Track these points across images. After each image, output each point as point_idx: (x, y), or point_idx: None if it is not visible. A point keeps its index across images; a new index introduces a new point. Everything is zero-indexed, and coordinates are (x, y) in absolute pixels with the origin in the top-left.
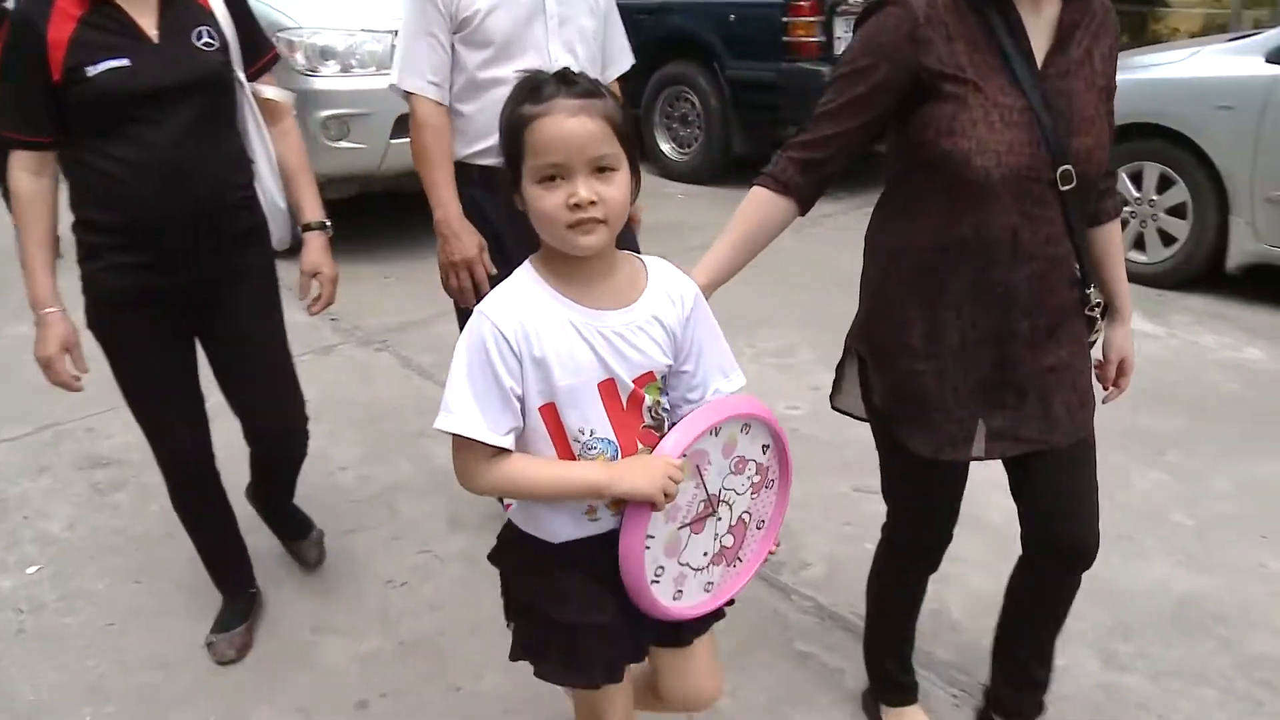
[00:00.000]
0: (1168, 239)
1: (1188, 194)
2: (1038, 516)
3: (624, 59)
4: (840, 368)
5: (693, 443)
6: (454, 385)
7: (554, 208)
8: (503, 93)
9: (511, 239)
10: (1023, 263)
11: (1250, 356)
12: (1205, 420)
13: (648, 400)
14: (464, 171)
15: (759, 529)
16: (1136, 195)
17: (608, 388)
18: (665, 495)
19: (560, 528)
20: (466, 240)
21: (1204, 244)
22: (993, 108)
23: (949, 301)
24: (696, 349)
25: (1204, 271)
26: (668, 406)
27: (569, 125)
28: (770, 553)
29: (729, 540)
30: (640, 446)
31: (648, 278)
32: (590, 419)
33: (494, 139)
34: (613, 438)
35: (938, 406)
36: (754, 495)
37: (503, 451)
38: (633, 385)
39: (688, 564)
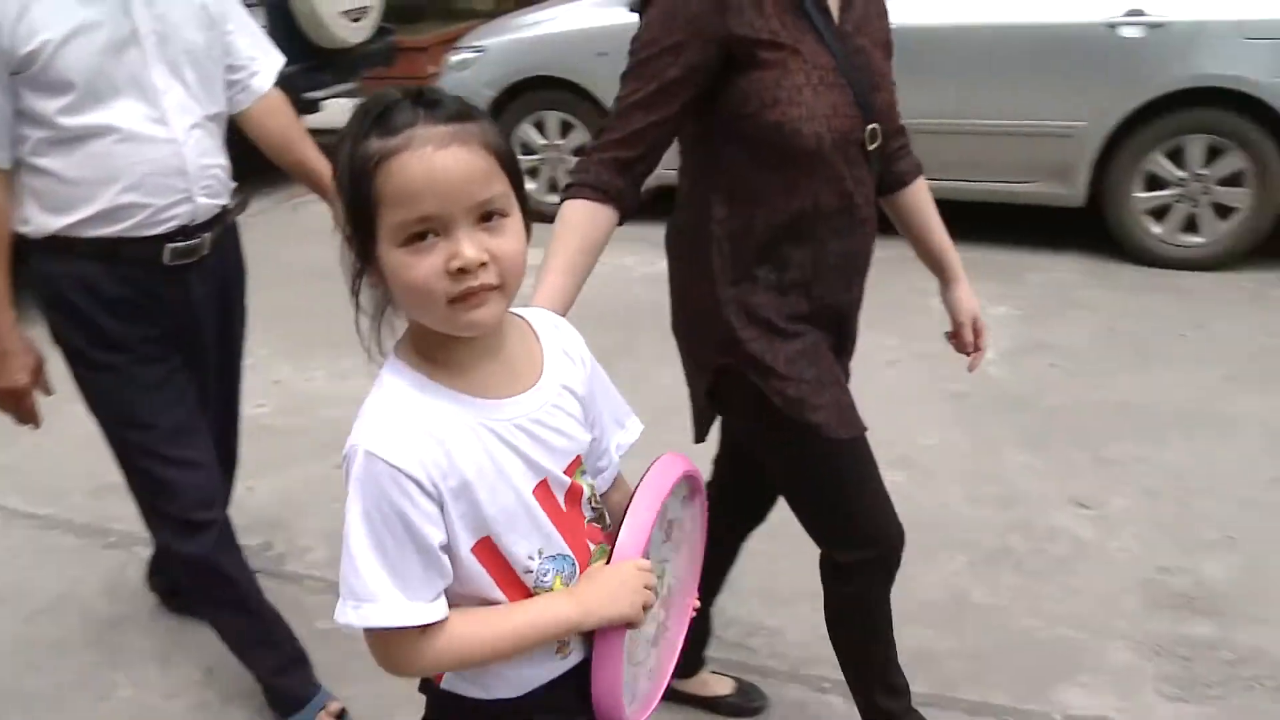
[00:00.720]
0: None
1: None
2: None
3: (269, 61)
4: (695, 397)
5: (651, 533)
6: (357, 564)
7: (430, 276)
8: (105, 145)
9: (146, 321)
10: (859, 227)
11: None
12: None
13: (585, 491)
14: (63, 247)
15: (680, 593)
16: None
17: (543, 492)
18: (644, 607)
19: (526, 676)
20: (15, 364)
21: None
22: (813, 70)
23: (798, 279)
24: (598, 408)
25: None
26: (600, 490)
27: (440, 162)
28: (695, 610)
29: (662, 615)
30: (592, 547)
31: (539, 339)
32: (536, 539)
33: (107, 202)
34: (566, 551)
35: (832, 381)
36: (678, 556)
37: (437, 621)
38: (567, 479)
39: (640, 662)
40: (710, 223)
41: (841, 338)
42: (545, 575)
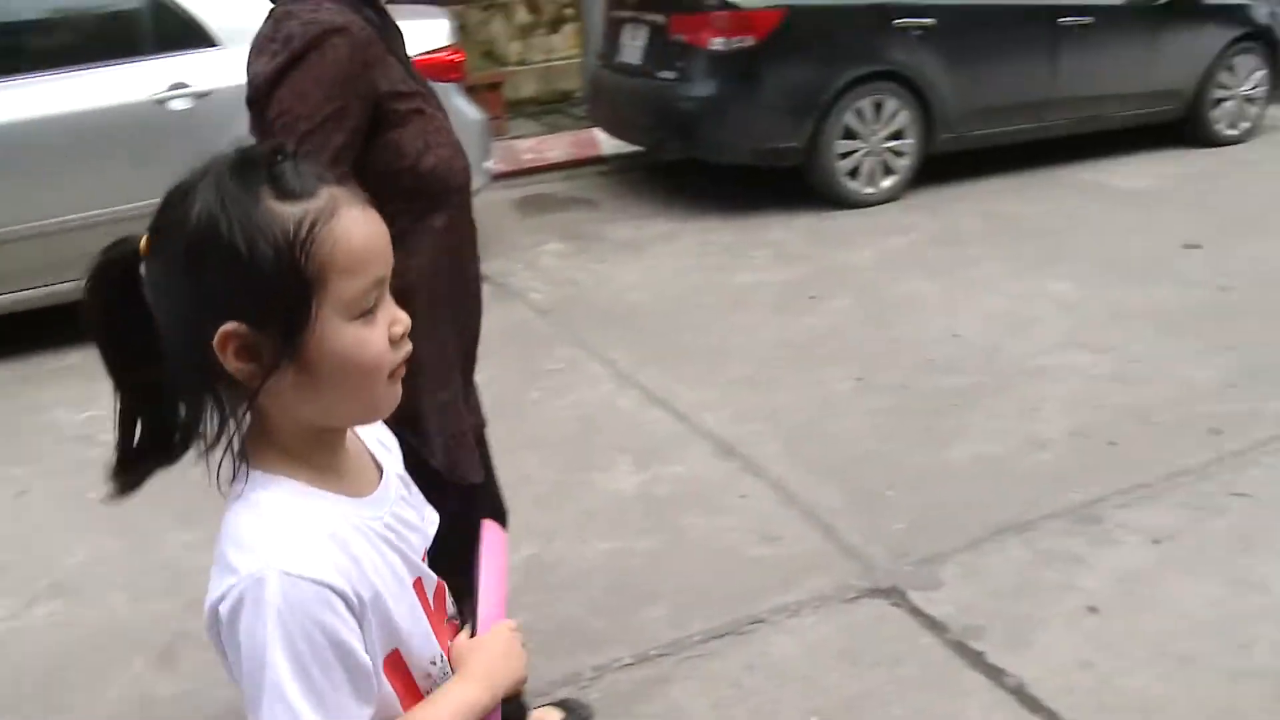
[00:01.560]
0: None
1: None
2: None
3: None
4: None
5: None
6: (282, 699)
7: (382, 350)
8: None
9: None
10: (476, 258)
11: None
12: None
13: (444, 586)
14: None
15: None
16: None
17: (419, 591)
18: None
19: None
20: None
21: None
22: (438, 111)
23: (448, 317)
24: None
25: None
26: None
27: (369, 222)
28: None
29: None
30: (449, 644)
31: (355, 430)
32: (432, 641)
33: None
34: (442, 652)
35: (466, 428)
36: None
37: None
38: (434, 575)
39: None
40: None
41: (467, 369)
42: (441, 678)
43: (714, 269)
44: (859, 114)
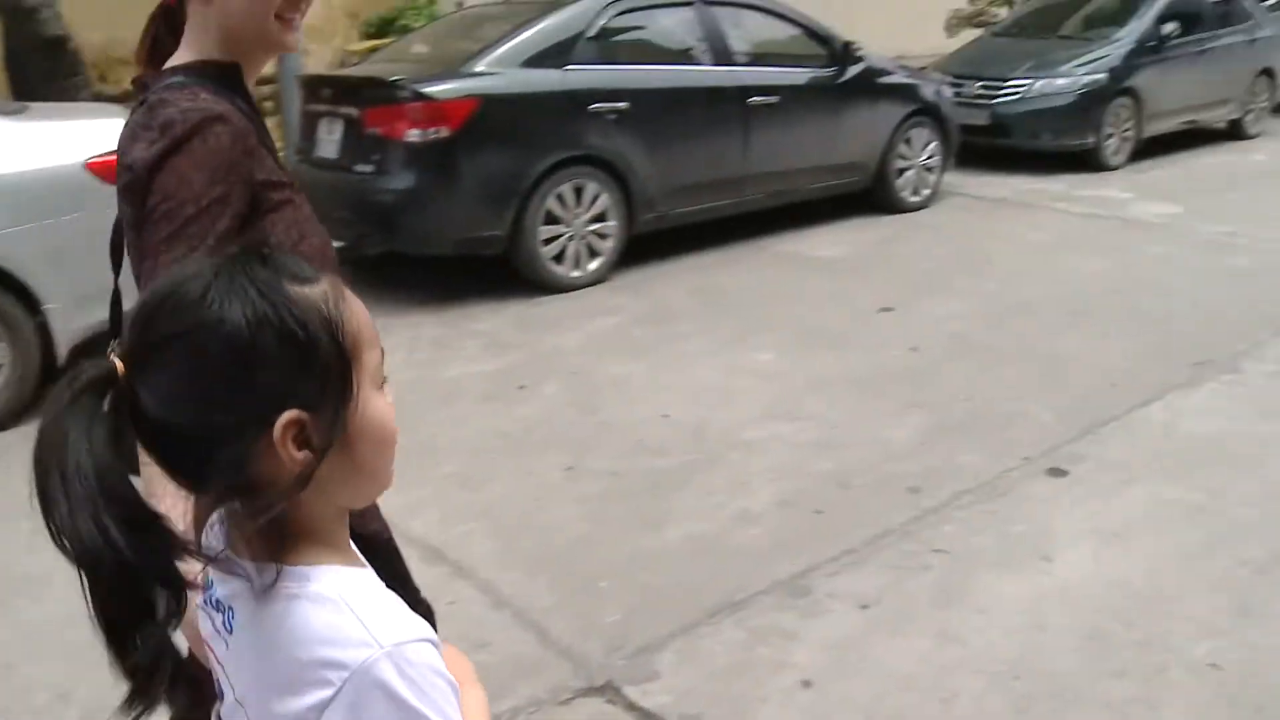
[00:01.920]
0: None
1: None
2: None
3: None
4: None
5: None
6: None
7: (391, 416)
8: None
9: None
10: None
11: None
12: None
13: None
14: None
15: None
16: None
17: None
18: None
19: None
20: None
21: None
22: (305, 201)
23: None
24: None
25: None
26: None
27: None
28: None
29: None
30: None
31: None
32: None
33: None
34: None
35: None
36: None
37: None
38: None
39: None
40: None
41: None
42: None
43: (423, 364)
44: (560, 199)
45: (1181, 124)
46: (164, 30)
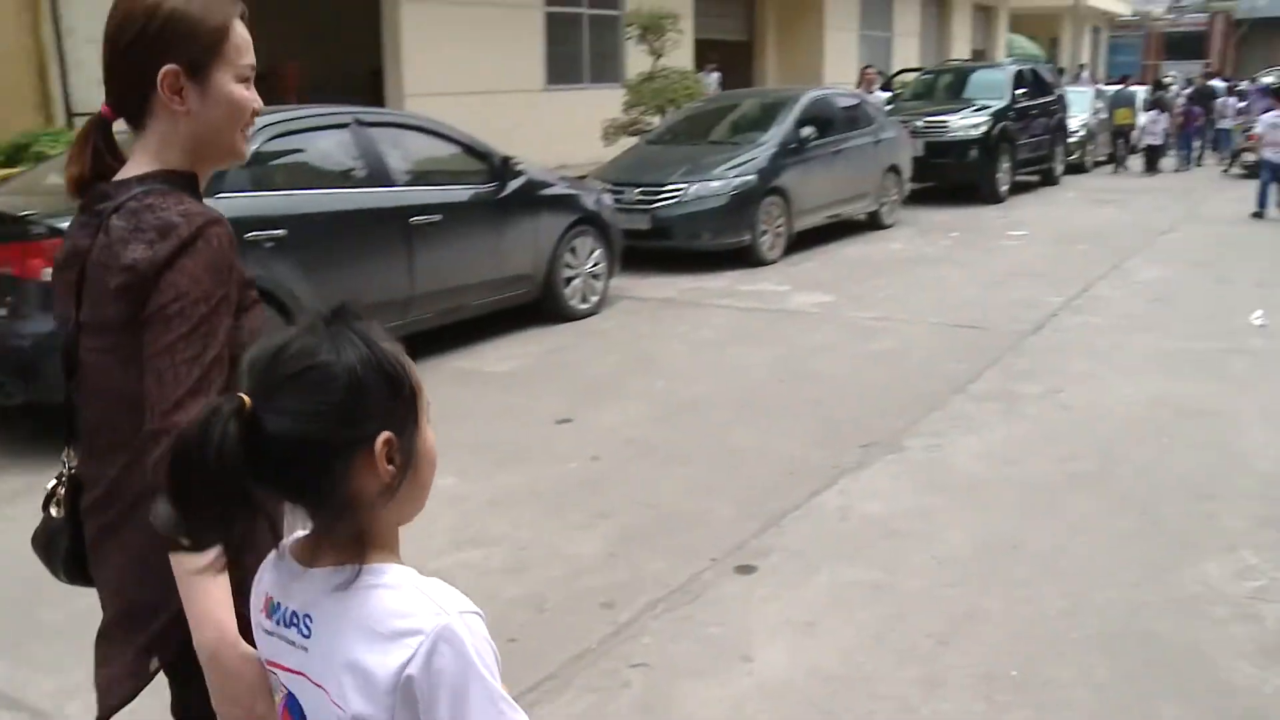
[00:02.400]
0: None
1: None
2: None
3: None
4: None
5: None
6: (494, 704)
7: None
8: None
9: None
10: None
11: None
12: None
13: None
14: None
15: None
16: None
17: None
18: None
19: None
20: None
21: None
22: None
23: None
24: None
25: None
26: None
27: None
28: None
29: None
30: None
31: None
32: None
33: None
34: None
35: None
36: None
37: None
38: None
39: None
40: None
41: None
42: None
43: None
44: None
45: (827, 218)
46: (100, 141)
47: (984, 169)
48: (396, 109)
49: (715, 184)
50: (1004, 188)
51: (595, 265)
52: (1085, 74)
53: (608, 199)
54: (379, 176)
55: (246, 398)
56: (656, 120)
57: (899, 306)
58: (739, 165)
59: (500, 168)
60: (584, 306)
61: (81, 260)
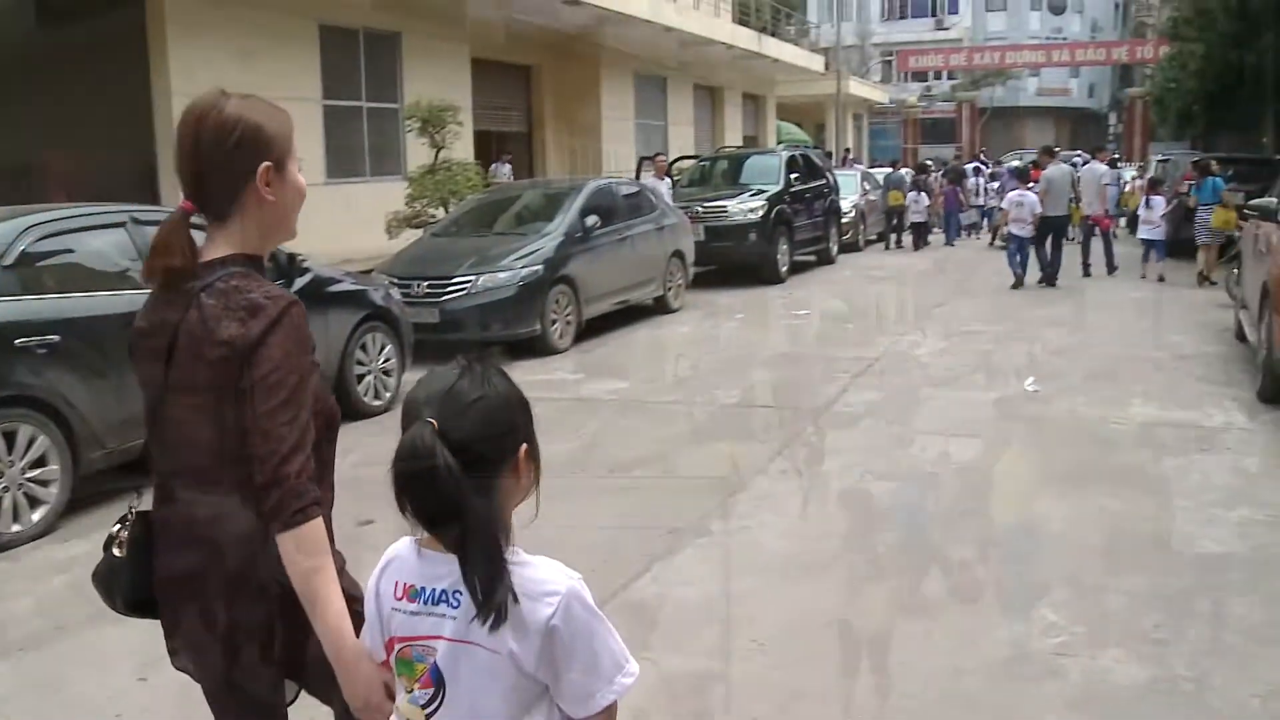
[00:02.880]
0: None
1: None
2: None
3: None
4: None
5: None
6: (618, 643)
7: None
8: None
9: None
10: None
11: None
12: None
13: None
14: None
15: None
16: None
17: None
18: None
19: None
20: None
21: None
22: None
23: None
24: None
25: None
26: None
27: None
28: None
29: None
30: None
31: None
32: None
33: None
34: None
35: None
36: None
37: None
38: None
39: None
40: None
41: None
42: None
43: None
44: None
45: (615, 304)
46: (188, 229)
47: (763, 251)
48: (173, 207)
49: (503, 275)
50: (784, 268)
51: (386, 361)
52: (850, 157)
53: (395, 293)
54: None
55: (434, 422)
56: (440, 212)
57: (693, 389)
58: (526, 255)
59: (286, 265)
60: (377, 404)
61: (171, 331)
